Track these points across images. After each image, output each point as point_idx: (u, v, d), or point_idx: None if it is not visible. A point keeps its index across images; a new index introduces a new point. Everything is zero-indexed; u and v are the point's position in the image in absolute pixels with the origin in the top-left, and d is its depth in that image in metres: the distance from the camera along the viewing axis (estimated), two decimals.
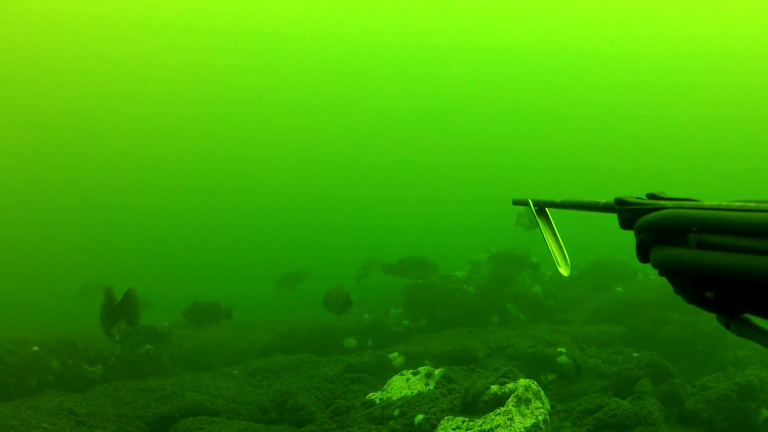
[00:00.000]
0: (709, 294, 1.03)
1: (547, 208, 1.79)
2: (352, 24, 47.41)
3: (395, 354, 8.39)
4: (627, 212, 1.23)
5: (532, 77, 49.23)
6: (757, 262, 0.89)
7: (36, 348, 8.73)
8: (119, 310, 7.09)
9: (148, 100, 40.40)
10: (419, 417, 5.13)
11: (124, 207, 31.74)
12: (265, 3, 44.87)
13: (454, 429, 4.70)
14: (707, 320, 9.81)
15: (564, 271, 1.66)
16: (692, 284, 1.05)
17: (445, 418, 4.88)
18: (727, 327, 1.05)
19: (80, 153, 35.86)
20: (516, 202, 1.95)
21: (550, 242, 1.73)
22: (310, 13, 45.58)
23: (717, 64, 43.85)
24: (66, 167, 34.66)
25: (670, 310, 9.98)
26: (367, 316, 11.42)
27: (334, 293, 8.82)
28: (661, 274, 1.12)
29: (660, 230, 1.10)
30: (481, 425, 4.56)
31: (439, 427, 4.81)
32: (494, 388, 4.87)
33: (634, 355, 7.76)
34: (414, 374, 6.20)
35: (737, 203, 1.00)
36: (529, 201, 1.82)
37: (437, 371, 6.26)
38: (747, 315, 1.02)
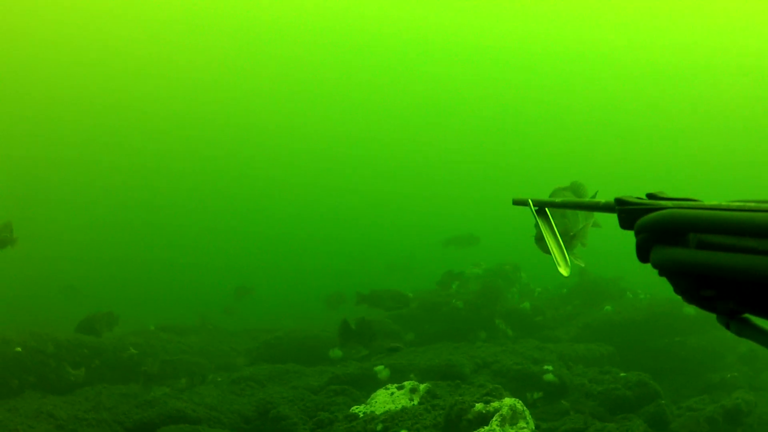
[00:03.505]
0: (708, 293, 1.04)
1: (547, 208, 1.81)
2: (354, 22, 47.55)
3: (381, 367, 8.32)
4: (627, 212, 1.21)
5: (534, 80, 49.51)
6: (757, 262, 0.90)
7: (19, 349, 8.62)
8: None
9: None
10: None
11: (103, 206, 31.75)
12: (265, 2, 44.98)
13: None
14: (696, 341, 9.79)
15: (564, 271, 1.67)
16: (692, 284, 1.05)
17: None
18: (727, 327, 1.05)
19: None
20: (516, 202, 1.94)
21: (550, 242, 1.73)
22: (307, 13, 45.69)
23: (717, 65, 44.28)
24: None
25: (658, 329, 9.94)
26: (354, 327, 11.33)
27: None
28: (661, 274, 1.11)
29: (660, 230, 1.09)
30: None
31: None
32: (479, 406, 4.81)
33: (621, 375, 7.72)
34: (399, 388, 6.13)
35: (737, 203, 1.00)
36: (529, 201, 1.83)
37: (422, 386, 6.19)
38: (747, 315, 1.03)
